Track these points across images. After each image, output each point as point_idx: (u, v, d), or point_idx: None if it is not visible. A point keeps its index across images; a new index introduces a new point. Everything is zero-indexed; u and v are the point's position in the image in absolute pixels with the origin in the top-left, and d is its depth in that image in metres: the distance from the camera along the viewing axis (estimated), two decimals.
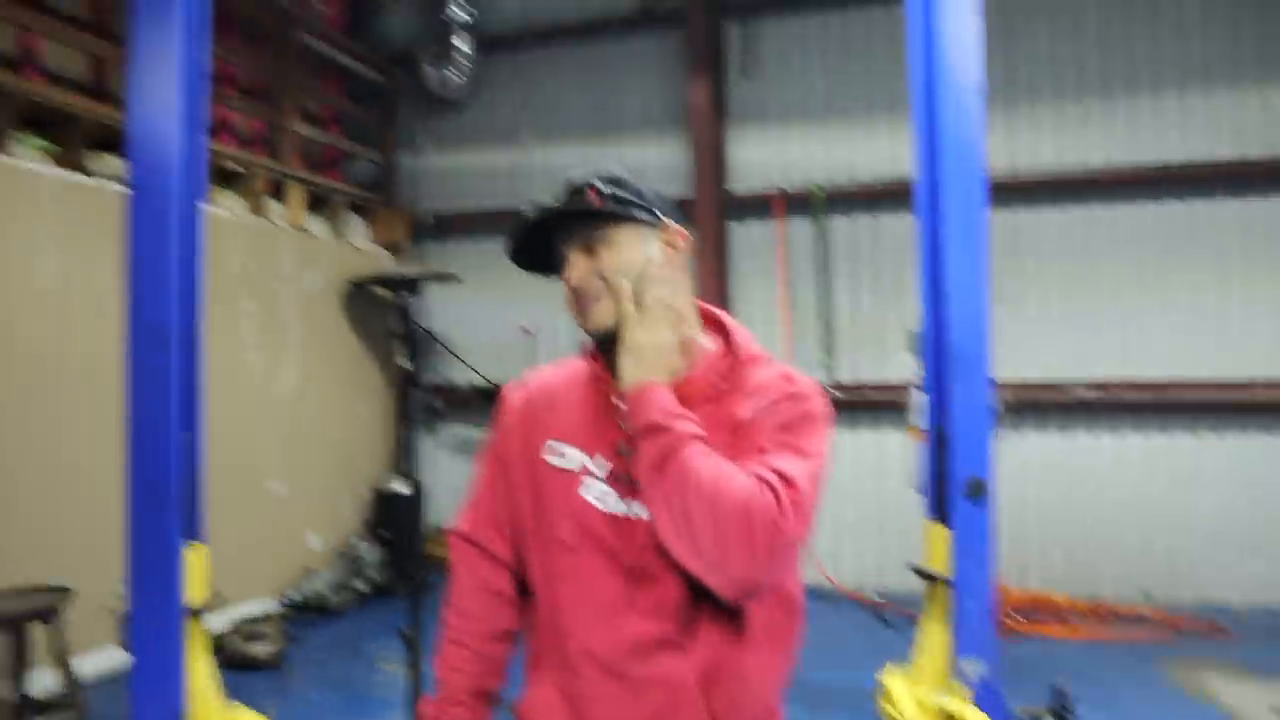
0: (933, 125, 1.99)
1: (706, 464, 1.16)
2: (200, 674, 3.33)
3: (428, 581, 6.36)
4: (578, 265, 1.33)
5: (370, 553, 6.21)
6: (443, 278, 6.99)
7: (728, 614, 1.23)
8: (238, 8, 5.92)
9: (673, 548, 1.18)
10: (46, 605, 3.29)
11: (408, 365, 6.77)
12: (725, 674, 1.24)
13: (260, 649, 4.70)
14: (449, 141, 7.37)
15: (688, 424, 1.20)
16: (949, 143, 1.94)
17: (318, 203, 6.63)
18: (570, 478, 1.30)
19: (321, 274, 6.44)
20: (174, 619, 3.23)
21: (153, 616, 3.24)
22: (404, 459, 6.97)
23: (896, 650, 2.14)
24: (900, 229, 6.24)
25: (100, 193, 4.67)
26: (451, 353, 7.20)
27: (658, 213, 1.35)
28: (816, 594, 6.22)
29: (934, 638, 1.92)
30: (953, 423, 1.83)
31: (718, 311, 1.41)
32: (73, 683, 3.34)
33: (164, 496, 3.23)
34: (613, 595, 1.25)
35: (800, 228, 6.51)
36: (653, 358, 1.24)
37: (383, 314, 6.96)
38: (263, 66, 6.28)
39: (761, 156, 6.68)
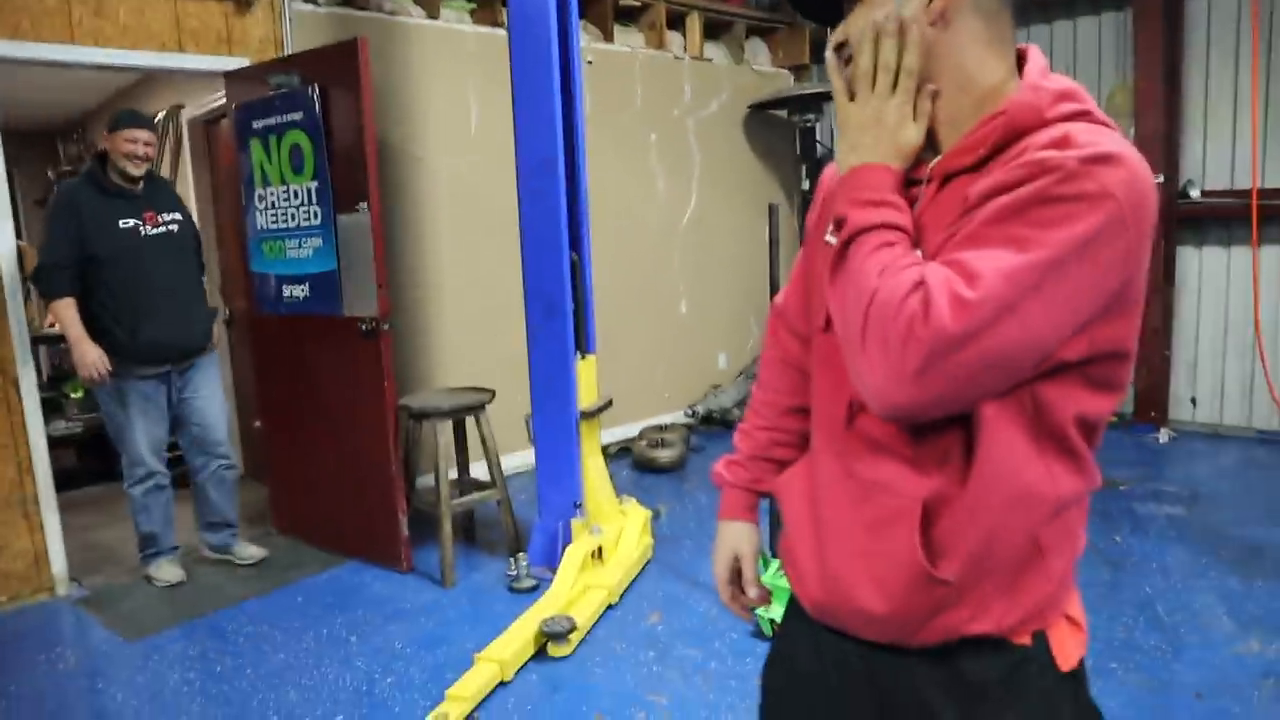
0: None
1: (873, 261, 0.98)
2: (593, 469, 3.83)
3: None
4: (845, 22, 1.13)
5: None
6: None
7: (964, 435, 1.08)
8: None
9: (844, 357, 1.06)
10: (478, 402, 3.91)
11: (809, 187, 6.75)
12: (954, 501, 1.08)
13: (663, 454, 5.20)
14: None
15: (875, 212, 1.04)
16: None
17: (717, 29, 6.67)
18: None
19: (721, 101, 6.54)
20: (569, 419, 3.72)
21: (552, 417, 3.75)
22: None
23: None
24: None
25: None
26: None
27: None
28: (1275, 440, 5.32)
29: None
30: None
31: (1034, 61, 1.11)
32: (497, 468, 3.97)
33: (556, 310, 3.67)
34: (850, 391, 1.17)
35: None
36: (866, 137, 1.08)
37: (785, 136, 6.92)
38: None
39: None
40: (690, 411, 6.22)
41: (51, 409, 5.36)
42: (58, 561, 3.95)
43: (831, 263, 1.05)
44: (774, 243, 3.22)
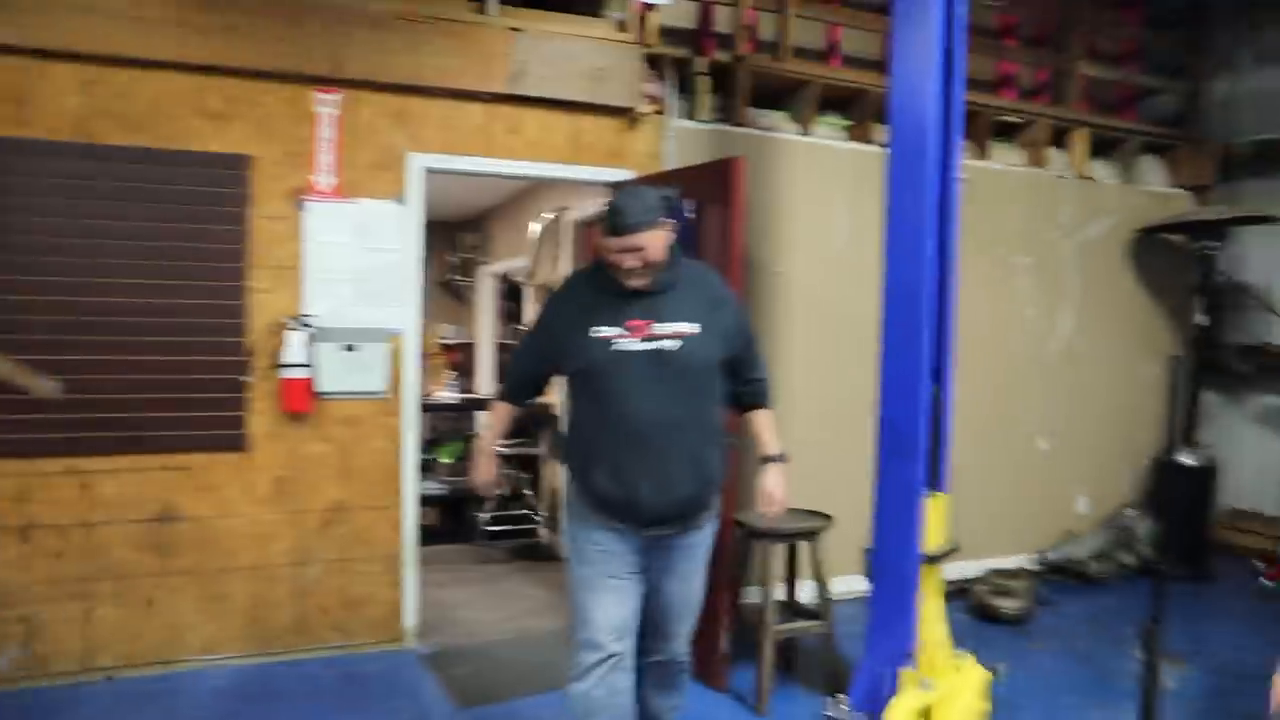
0: None
1: None
2: (930, 616, 3.51)
3: (1210, 569, 5.60)
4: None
5: (1143, 526, 5.67)
6: (1259, 219, 5.90)
7: None
8: None
9: None
10: (814, 528, 3.77)
11: (1206, 321, 5.95)
12: None
13: (1007, 604, 4.69)
14: (1273, 57, 6.12)
15: None
16: None
17: (1106, 147, 6.17)
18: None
19: (1106, 223, 6.00)
20: (910, 562, 3.44)
21: (892, 557, 3.50)
22: (1195, 428, 6.16)
23: None
24: None
25: (883, 159, 5.06)
26: (1269, 308, 6.07)
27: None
28: None
29: None
30: None
31: None
32: (826, 596, 3.77)
33: (909, 447, 3.44)
34: None
35: None
36: None
37: (1179, 264, 6.19)
38: (1049, 9, 6.03)
39: None
40: (1040, 558, 5.61)
41: (424, 468, 5.98)
42: (410, 616, 4.32)
43: None
44: (1175, 396, 2.80)
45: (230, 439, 4.00)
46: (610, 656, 2.61)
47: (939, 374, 3.48)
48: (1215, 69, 6.45)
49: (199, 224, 3.89)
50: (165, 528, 3.91)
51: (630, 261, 2.49)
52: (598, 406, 2.59)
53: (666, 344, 2.54)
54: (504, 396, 2.94)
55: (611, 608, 2.62)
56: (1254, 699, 3.82)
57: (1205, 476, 5.75)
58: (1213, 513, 5.93)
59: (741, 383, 2.79)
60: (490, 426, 2.99)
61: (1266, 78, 6.17)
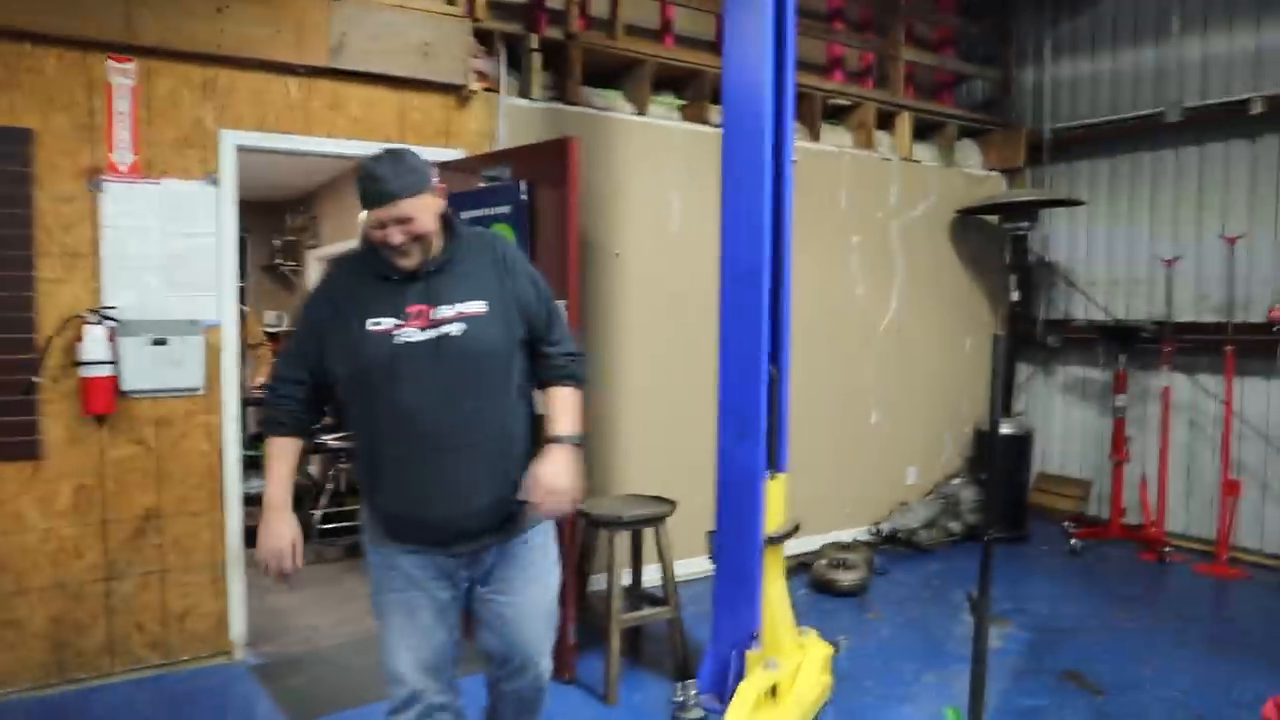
0: None
1: None
2: (774, 597, 3.56)
3: (1027, 531, 5.99)
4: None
5: (968, 494, 5.99)
6: (1063, 202, 6.32)
7: None
8: None
9: None
10: (658, 514, 3.75)
11: (1019, 298, 6.32)
12: None
13: (845, 577, 4.85)
14: (1075, 47, 6.53)
15: None
16: None
17: (928, 130, 6.43)
18: None
19: (928, 204, 6.27)
20: (754, 545, 3.47)
21: (735, 540, 3.52)
22: (1012, 399, 6.55)
23: None
24: None
25: (718, 140, 5.08)
26: (1072, 285, 6.51)
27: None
28: None
29: None
30: None
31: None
32: (670, 581, 3.77)
33: (750, 430, 3.47)
34: None
35: None
36: None
37: (994, 244, 6.54)
38: None
39: None
40: (874, 529, 5.83)
41: (249, 465, 5.62)
42: (237, 625, 4.04)
43: None
44: (996, 373, 2.92)
45: (20, 446, 3.59)
46: (427, 706, 2.25)
47: (776, 356, 3.52)
48: (1021, 58, 6.84)
49: None
50: None
51: (397, 236, 2.11)
52: (375, 412, 2.17)
53: (451, 329, 2.14)
54: (275, 428, 2.29)
55: (418, 641, 2.24)
56: (1068, 653, 4.10)
57: (1022, 444, 6.12)
58: (1028, 477, 6.34)
59: (543, 357, 2.35)
60: (272, 473, 2.26)
61: (1066, 68, 6.58)
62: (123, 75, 3.68)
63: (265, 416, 2.32)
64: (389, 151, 2.16)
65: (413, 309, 2.16)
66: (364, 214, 2.19)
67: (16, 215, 3.53)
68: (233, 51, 3.83)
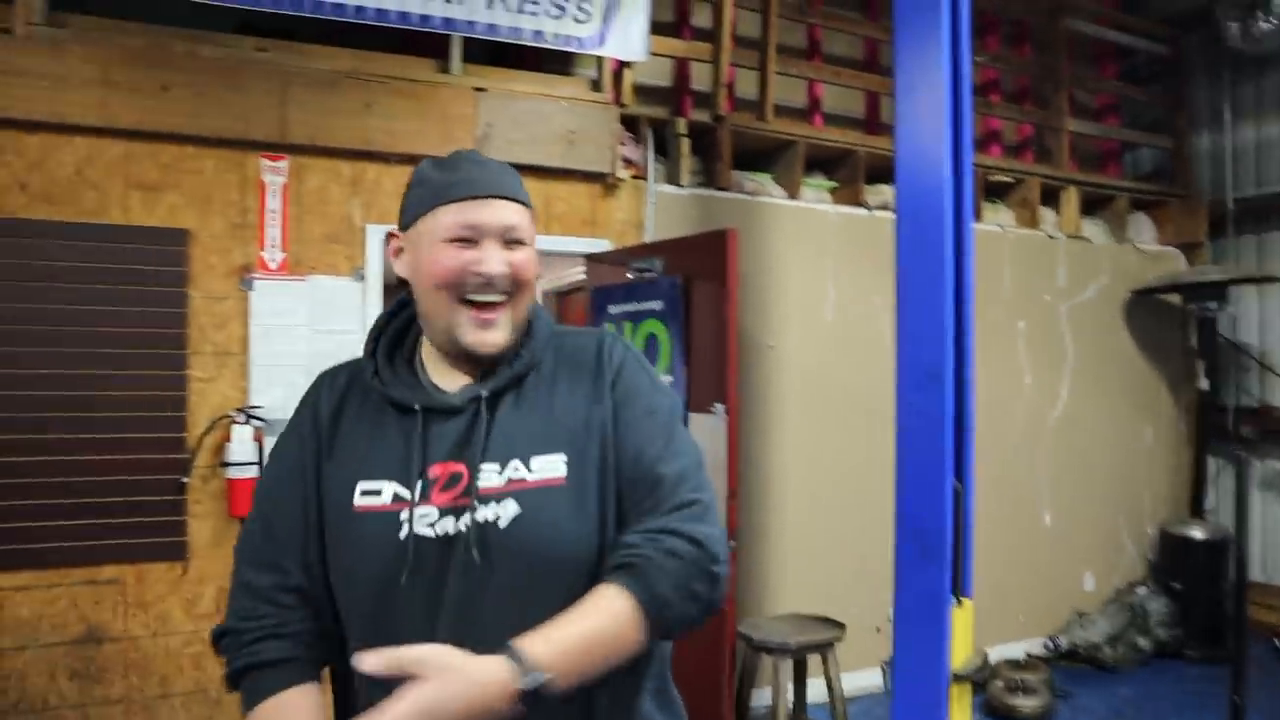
0: None
1: None
2: None
3: (1244, 649, 5.25)
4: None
5: (1157, 605, 5.34)
6: (1257, 279, 5.72)
7: None
8: (998, 7, 5.62)
9: None
10: (826, 640, 3.38)
11: (1207, 385, 5.72)
12: None
13: (1026, 703, 4.31)
14: (1259, 109, 5.98)
15: None
16: None
17: (1095, 204, 5.97)
18: None
19: (1099, 283, 5.78)
20: (939, 683, 3.06)
21: (916, 677, 3.12)
22: (1202, 497, 5.89)
23: None
24: None
25: (873, 223, 4.80)
26: (1269, 369, 5.85)
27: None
28: None
29: None
30: None
31: None
32: (839, 701, 3.39)
33: (932, 550, 3.07)
34: None
35: None
36: None
37: (1175, 325, 5.97)
38: (1029, 64, 5.87)
39: None
40: (1051, 644, 5.25)
41: None
42: None
43: None
44: (1190, 466, 2.49)
45: (169, 547, 3.55)
46: None
47: (960, 467, 3.14)
48: (1196, 123, 6.32)
49: (130, 306, 3.48)
50: (90, 650, 3.43)
51: (496, 263, 1.21)
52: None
53: (498, 511, 1.16)
54: (257, 684, 1.21)
55: None
56: None
57: (1219, 548, 5.45)
58: (1226, 587, 5.64)
59: (638, 524, 1.18)
60: None
61: (1248, 133, 6.03)
62: (275, 173, 3.68)
63: (235, 668, 1.23)
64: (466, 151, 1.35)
65: (438, 470, 1.20)
66: (395, 256, 1.33)
67: (173, 315, 3.55)
68: (380, 147, 3.81)
